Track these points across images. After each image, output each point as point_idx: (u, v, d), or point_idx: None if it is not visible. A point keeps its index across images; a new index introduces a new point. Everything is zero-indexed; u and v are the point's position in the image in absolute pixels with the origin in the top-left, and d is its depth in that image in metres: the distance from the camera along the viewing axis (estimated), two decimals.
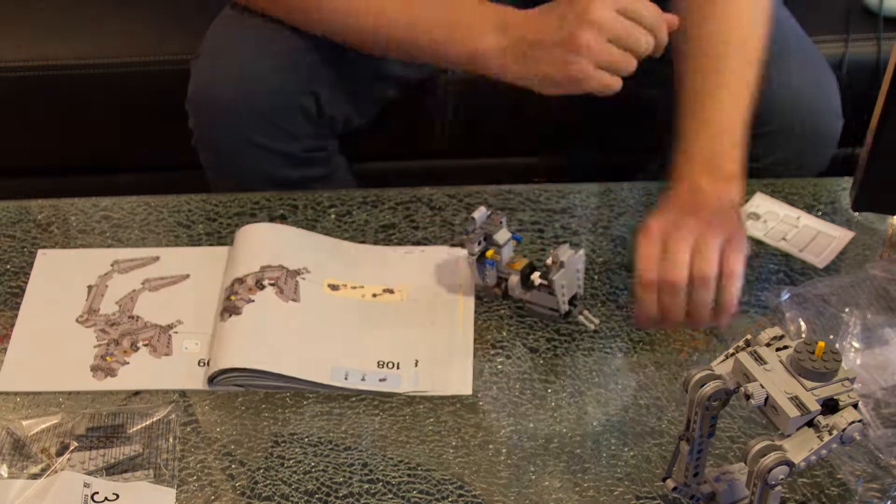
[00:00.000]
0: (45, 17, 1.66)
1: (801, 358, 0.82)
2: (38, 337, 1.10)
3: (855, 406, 0.81)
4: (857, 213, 1.21)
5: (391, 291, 1.14)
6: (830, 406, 0.81)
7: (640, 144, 1.52)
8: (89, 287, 1.14)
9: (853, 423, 0.80)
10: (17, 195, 1.26)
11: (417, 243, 1.19)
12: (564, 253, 1.05)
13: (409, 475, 0.96)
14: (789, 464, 0.80)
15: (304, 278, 1.12)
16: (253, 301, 1.08)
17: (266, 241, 1.16)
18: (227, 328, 1.06)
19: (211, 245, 1.19)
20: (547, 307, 1.08)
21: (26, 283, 1.14)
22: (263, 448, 0.99)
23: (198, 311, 1.11)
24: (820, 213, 1.22)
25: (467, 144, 1.63)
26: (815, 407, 0.80)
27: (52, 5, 1.68)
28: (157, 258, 1.17)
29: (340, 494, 0.95)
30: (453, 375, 1.05)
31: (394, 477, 0.96)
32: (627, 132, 1.56)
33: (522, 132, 1.59)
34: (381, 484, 0.95)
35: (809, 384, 0.81)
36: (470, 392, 1.03)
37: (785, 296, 1.09)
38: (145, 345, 1.08)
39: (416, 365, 1.06)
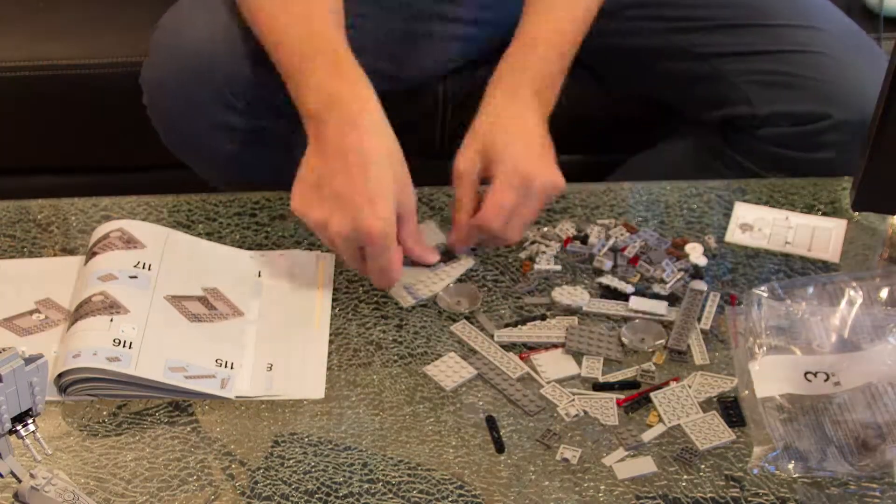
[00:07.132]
0: (45, 17, 1.66)
1: None
2: None
3: None
4: (857, 213, 1.21)
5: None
6: None
7: (640, 144, 1.52)
8: None
9: None
10: (17, 195, 1.26)
11: None
12: (8, 362, 0.76)
13: (409, 475, 0.96)
14: None
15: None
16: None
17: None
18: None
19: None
20: None
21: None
22: (263, 448, 0.99)
23: None
24: (820, 213, 1.22)
25: None
26: None
27: (52, 5, 1.68)
28: None
29: (340, 494, 0.95)
30: (307, 379, 1.05)
31: (394, 477, 0.96)
32: (627, 131, 1.56)
33: None
34: (381, 484, 0.95)
35: None
36: (322, 396, 1.03)
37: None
38: None
39: (270, 369, 1.06)
